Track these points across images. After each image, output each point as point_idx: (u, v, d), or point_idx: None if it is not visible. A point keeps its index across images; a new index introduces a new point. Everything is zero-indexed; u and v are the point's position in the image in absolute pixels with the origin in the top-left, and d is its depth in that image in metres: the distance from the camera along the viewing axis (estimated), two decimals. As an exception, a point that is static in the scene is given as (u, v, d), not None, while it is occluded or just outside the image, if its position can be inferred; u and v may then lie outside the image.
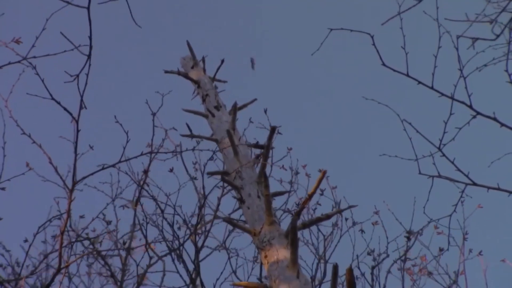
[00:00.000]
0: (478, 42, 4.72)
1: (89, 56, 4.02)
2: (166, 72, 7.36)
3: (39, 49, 4.08)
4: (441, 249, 6.48)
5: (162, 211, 6.11)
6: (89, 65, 4.10)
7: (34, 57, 4.13)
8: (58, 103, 4.32)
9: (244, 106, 6.70)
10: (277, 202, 6.67)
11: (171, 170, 6.27)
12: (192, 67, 7.47)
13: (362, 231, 6.44)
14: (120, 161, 4.71)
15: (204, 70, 7.37)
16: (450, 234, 6.11)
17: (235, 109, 6.35)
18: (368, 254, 6.42)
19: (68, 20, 3.91)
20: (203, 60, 7.48)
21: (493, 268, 6.22)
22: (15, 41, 4.12)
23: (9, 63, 4.18)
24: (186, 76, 7.38)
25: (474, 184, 4.43)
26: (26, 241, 5.90)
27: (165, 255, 5.88)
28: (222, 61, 7.11)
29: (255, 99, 6.78)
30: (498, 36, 4.79)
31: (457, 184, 4.49)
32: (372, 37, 4.47)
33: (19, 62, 4.13)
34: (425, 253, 6.62)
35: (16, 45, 4.08)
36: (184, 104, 6.99)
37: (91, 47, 4.03)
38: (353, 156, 12.23)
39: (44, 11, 3.93)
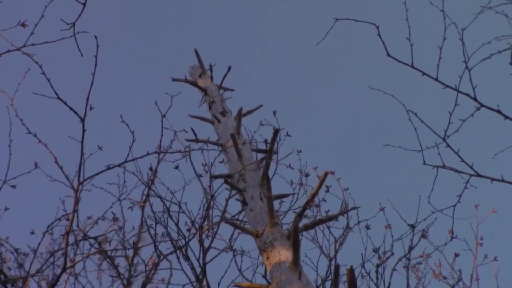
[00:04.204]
0: (483, 34, 4.69)
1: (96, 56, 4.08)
2: (174, 80, 7.41)
3: (44, 49, 4.10)
4: (456, 255, 6.41)
5: (168, 210, 6.11)
6: (96, 64, 4.16)
7: (33, 44, 4.06)
8: (64, 102, 4.33)
9: (249, 112, 6.72)
10: (286, 204, 6.63)
11: (177, 167, 6.28)
12: (200, 76, 7.53)
13: (367, 227, 6.39)
14: (126, 161, 4.72)
15: (212, 78, 7.42)
16: (463, 238, 6.08)
17: (240, 114, 6.37)
18: (374, 251, 6.37)
19: (71, 14, 3.93)
20: (211, 68, 7.53)
21: (505, 272, 6.14)
22: (21, 24, 4.03)
23: (8, 51, 4.10)
24: (194, 84, 7.44)
25: (478, 175, 4.39)
26: (32, 233, 5.93)
27: (171, 253, 5.88)
28: (229, 68, 7.15)
29: (261, 105, 6.80)
30: None
31: (462, 175, 4.45)
32: (377, 27, 4.45)
33: (18, 49, 4.03)
34: (435, 254, 6.56)
35: (23, 29, 4.00)
36: (192, 111, 7.05)
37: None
38: (357, 147, 12.21)
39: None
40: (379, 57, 4.57)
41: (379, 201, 6.49)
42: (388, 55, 4.52)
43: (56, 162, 4.67)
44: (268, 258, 4.74)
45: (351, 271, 4.17)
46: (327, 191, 6.51)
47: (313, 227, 5.41)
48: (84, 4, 3.73)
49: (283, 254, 4.66)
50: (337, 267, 4.39)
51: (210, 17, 14.31)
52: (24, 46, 3.94)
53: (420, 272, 6.53)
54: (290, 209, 6.44)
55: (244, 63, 13.50)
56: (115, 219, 6.26)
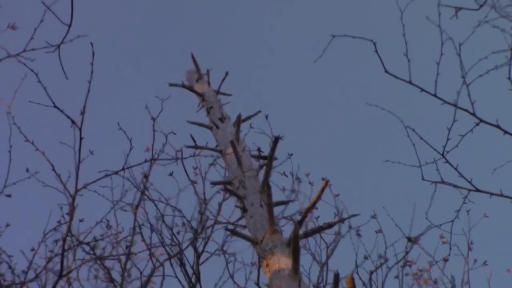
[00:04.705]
0: (481, 48, 4.72)
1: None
2: (171, 85, 7.43)
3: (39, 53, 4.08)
4: (445, 259, 6.47)
5: (162, 216, 6.15)
6: (92, 71, 4.19)
7: (33, 49, 4.04)
8: (61, 111, 4.37)
9: (248, 118, 6.75)
10: (280, 209, 6.67)
11: (171, 174, 6.31)
12: (197, 80, 7.56)
13: (358, 235, 6.45)
14: (123, 169, 4.77)
15: (209, 83, 7.45)
16: (454, 243, 6.15)
17: (239, 120, 6.41)
18: (365, 258, 6.44)
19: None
20: (208, 73, 7.56)
21: (498, 278, 6.21)
22: (11, 26, 4.01)
23: (8, 56, 4.08)
24: (191, 89, 7.46)
25: (477, 190, 4.42)
26: (33, 249, 5.91)
27: (166, 260, 5.90)
28: (226, 73, 7.20)
29: (259, 111, 6.84)
30: (481, 6, 4.77)
31: (460, 190, 4.47)
32: (374, 43, 4.47)
33: (17, 55, 4.03)
34: (426, 258, 6.63)
35: (13, 31, 3.99)
36: (190, 117, 7.07)
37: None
38: (357, 162, 12.26)
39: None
40: (376, 73, 4.61)
41: (378, 215, 6.55)
42: (386, 71, 4.54)
43: (54, 170, 4.72)
44: (267, 265, 4.77)
45: (351, 279, 4.22)
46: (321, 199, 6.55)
47: (313, 234, 5.47)
48: (70, 26, 3.75)
49: (283, 261, 4.68)
50: (337, 275, 4.42)
51: (209, 23, 14.33)
52: (24, 51, 3.94)
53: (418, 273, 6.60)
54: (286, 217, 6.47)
55: (242, 70, 13.55)
56: (108, 227, 6.24)
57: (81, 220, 6.28)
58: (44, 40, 4.01)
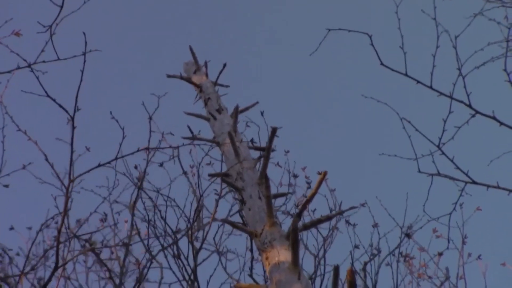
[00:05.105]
0: (476, 39, 4.70)
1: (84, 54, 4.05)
2: (169, 76, 7.39)
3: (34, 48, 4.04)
4: (440, 253, 6.45)
5: (160, 211, 6.13)
6: (84, 61, 4.13)
7: (44, 61, 4.04)
8: (54, 100, 4.28)
9: (246, 109, 6.72)
10: (276, 203, 6.65)
11: (161, 165, 6.29)
12: (195, 72, 7.52)
13: (348, 222, 6.44)
14: (116, 158, 4.70)
15: (207, 75, 7.39)
16: (450, 237, 6.12)
17: (236, 112, 6.37)
18: (356, 247, 6.43)
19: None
20: (206, 65, 7.51)
21: (493, 271, 6.20)
22: (15, 33, 4.02)
23: (18, 68, 4.08)
24: (188, 80, 7.41)
25: (474, 182, 4.41)
26: (12, 228, 5.90)
27: (159, 252, 5.89)
28: (224, 65, 7.15)
29: (257, 102, 6.81)
30: None
31: (457, 183, 4.47)
32: (370, 37, 4.47)
33: (28, 66, 4.01)
34: (417, 247, 6.63)
35: (16, 38, 3.98)
36: (187, 108, 7.03)
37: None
38: (352, 155, 12.26)
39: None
40: (372, 65, 4.58)
41: (373, 208, 6.54)
42: (382, 64, 4.52)
43: (47, 159, 4.67)
44: (267, 258, 4.74)
45: (350, 272, 4.18)
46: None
47: (312, 227, 5.44)
48: (61, 7, 3.70)
49: (282, 254, 4.66)
50: (336, 268, 4.38)
51: (208, 17, 14.30)
52: (34, 63, 3.91)
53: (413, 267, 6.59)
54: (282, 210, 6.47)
55: (240, 63, 13.52)
56: (102, 220, 6.23)
57: (78, 221, 6.28)
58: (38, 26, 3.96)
